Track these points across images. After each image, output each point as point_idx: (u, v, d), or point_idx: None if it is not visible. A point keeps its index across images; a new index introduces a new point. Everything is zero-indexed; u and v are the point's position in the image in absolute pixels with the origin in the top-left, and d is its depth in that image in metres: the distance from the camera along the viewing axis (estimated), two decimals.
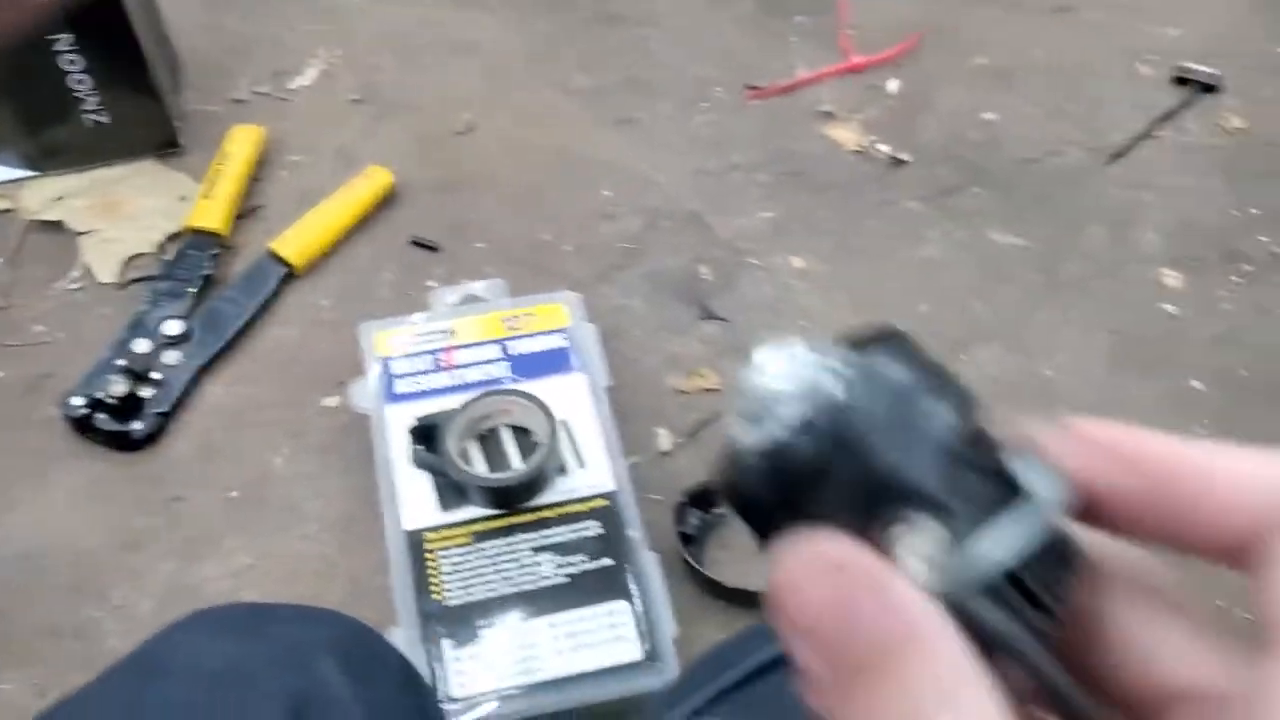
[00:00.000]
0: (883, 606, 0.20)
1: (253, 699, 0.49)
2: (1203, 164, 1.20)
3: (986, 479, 0.23)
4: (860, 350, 0.23)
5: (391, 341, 0.93)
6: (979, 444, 0.23)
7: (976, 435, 0.23)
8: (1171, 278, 1.10)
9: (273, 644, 0.52)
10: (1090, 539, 0.24)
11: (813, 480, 0.22)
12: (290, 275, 1.04)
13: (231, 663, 0.50)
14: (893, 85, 1.25)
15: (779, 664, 0.53)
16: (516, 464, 0.87)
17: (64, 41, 1.03)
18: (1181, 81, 1.27)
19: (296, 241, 1.05)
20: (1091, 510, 0.23)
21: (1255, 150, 1.21)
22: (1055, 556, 0.23)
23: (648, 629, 0.79)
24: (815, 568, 0.21)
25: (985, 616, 0.21)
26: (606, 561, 0.83)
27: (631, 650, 0.79)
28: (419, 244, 1.08)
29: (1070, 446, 0.23)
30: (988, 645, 0.21)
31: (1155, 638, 0.24)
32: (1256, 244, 1.13)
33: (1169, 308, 1.08)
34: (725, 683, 0.54)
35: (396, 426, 0.88)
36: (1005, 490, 0.22)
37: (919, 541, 0.21)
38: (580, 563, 0.82)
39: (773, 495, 0.23)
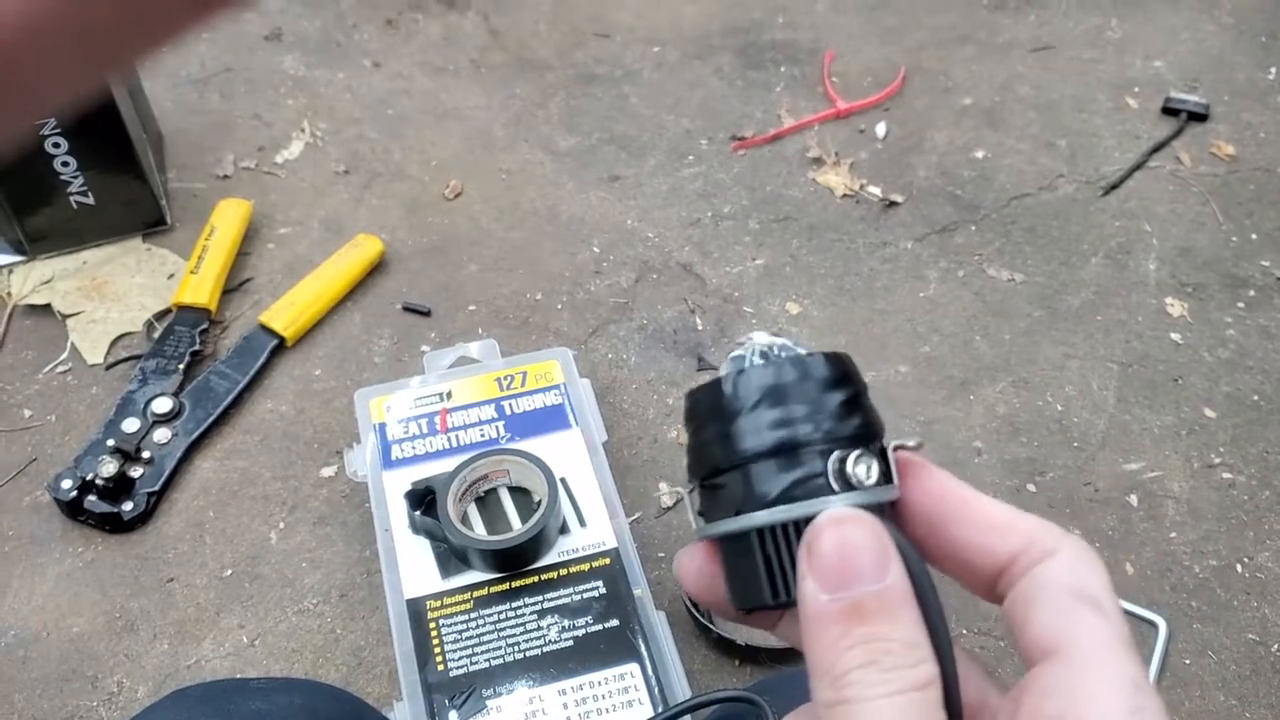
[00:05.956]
0: None
1: None
2: (1198, 192, 1.19)
3: (787, 471, 0.28)
4: (808, 353, 0.30)
5: (386, 407, 0.91)
6: (813, 445, 0.28)
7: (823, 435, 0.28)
8: (1175, 306, 1.08)
9: (243, 717, 0.50)
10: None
11: (709, 415, 0.30)
12: (281, 346, 1.03)
13: None
14: (880, 129, 1.25)
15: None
16: (516, 525, 0.85)
17: (49, 125, 1.02)
18: (1171, 112, 1.26)
19: (286, 313, 1.03)
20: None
21: (1248, 176, 1.20)
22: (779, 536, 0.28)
23: (660, 691, 0.77)
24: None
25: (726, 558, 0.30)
26: (613, 622, 0.80)
27: (645, 714, 0.76)
28: (410, 309, 1.07)
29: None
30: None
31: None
32: (1257, 269, 1.12)
33: (1175, 336, 1.06)
34: None
35: (394, 493, 0.86)
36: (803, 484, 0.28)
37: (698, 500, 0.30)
38: (586, 625, 0.80)
39: (697, 412, 0.30)
